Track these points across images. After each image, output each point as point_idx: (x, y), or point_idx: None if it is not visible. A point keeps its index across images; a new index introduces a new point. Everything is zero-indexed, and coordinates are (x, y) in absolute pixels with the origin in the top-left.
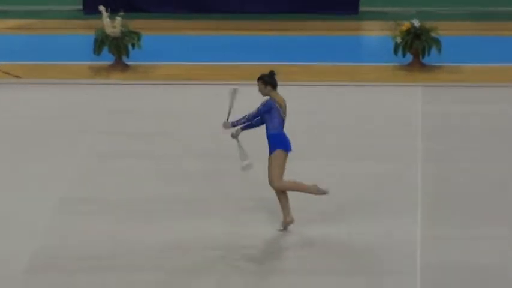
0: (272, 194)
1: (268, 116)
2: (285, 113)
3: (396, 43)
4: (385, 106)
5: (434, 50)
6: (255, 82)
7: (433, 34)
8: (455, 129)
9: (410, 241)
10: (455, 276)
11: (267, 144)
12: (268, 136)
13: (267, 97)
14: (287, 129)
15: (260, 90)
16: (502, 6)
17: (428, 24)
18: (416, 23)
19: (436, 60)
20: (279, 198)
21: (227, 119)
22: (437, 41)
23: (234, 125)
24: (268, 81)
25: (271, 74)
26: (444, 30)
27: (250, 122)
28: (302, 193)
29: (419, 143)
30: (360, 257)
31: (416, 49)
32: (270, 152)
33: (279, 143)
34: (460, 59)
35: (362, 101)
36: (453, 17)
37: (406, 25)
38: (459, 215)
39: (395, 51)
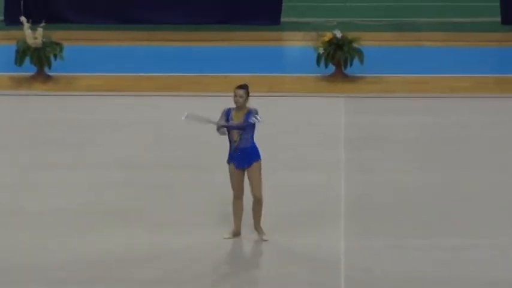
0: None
1: (251, 128)
2: None
3: (318, 54)
4: (307, 117)
5: (356, 61)
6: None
7: (355, 45)
8: (377, 140)
9: (334, 252)
10: (378, 286)
11: (241, 155)
12: (249, 147)
13: (251, 108)
14: (207, 141)
15: (240, 98)
16: (421, 17)
17: (351, 35)
18: (338, 33)
19: (358, 70)
20: (254, 209)
21: (216, 123)
22: (359, 52)
23: (224, 126)
24: (249, 92)
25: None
26: (366, 41)
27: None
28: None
29: (342, 153)
30: (282, 267)
31: (338, 60)
32: (249, 163)
33: (258, 153)
34: (382, 69)
35: (284, 111)
36: (374, 28)
37: (328, 36)
38: (382, 225)
39: (318, 62)
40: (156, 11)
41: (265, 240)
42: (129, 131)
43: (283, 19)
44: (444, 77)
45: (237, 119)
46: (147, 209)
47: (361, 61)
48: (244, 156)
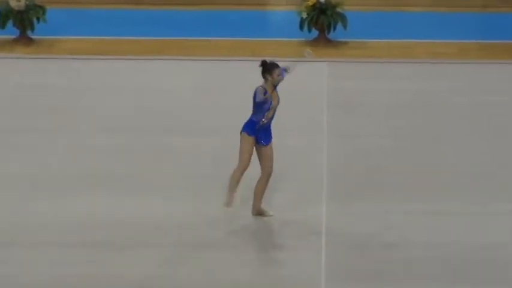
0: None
1: None
2: None
3: (302, 18)
4: (290, 81)
5: (339, 26)
6: (159, 56)
7: (338, 9)
8: (360, 105)
9: (315, 217)
10: (359, 252)
11: (264, 132)
12: (270, 126)
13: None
14: (188, 106)
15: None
16: None
17: None
18: None
19: (342, 35)
20: (262, 186)
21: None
22: (342, 17)
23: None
24: None
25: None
26: (349, 6)
27: None
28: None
29: (325, 118)
30: (264, 232)
31: (321, 24)
32: (268, 141)
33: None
34: (365, 34)
35: None
36: None
37: (311, 0)
38: (364, 190)
39: (301, 27)
40: None
41: (272, 215)
42: (113, 95)
43: None
44: (428, 42)
45: (275, 100)
46: (133, 174)
47: (345, 26)
48: (266, 134)
